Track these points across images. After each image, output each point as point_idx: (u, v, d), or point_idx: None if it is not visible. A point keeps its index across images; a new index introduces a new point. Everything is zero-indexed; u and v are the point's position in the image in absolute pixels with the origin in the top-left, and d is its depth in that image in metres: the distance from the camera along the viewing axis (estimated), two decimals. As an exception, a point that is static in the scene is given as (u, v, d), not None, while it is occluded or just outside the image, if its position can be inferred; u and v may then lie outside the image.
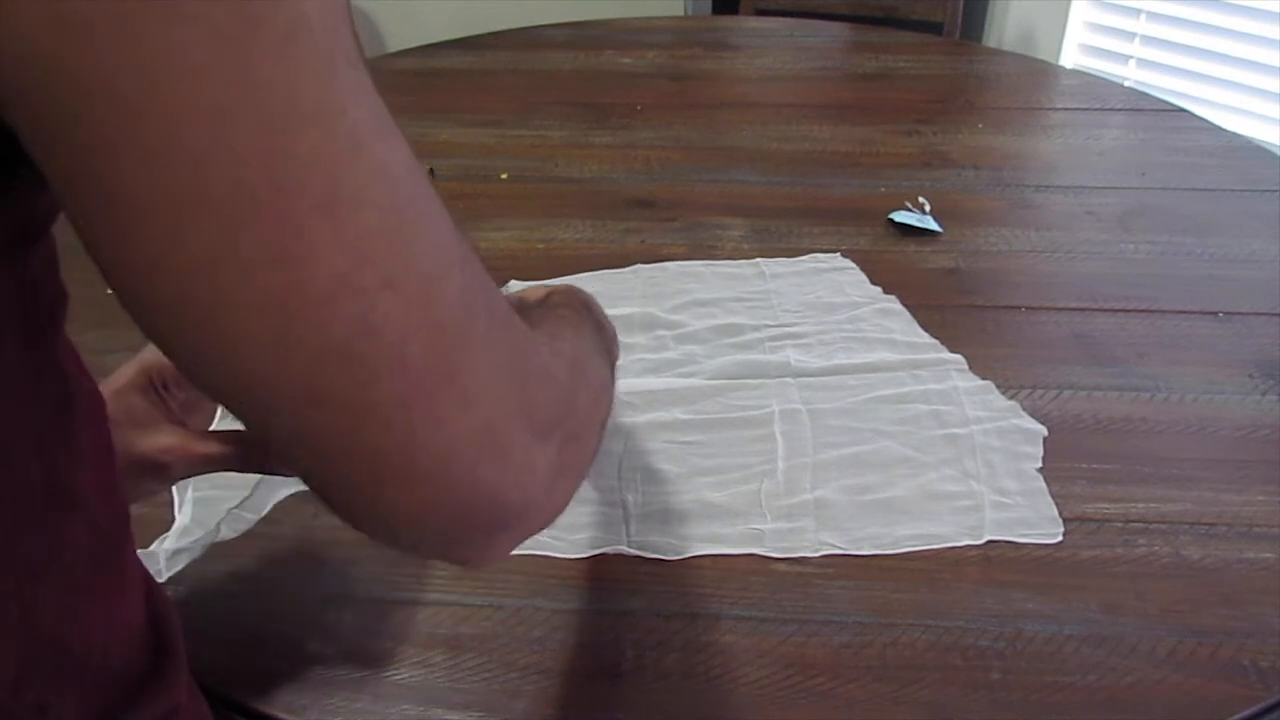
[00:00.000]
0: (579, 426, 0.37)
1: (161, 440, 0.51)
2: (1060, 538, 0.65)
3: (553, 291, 0.55)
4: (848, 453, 0.73)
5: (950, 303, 0.89)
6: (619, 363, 0.82)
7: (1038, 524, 0.67)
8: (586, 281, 0.90)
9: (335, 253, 0.24)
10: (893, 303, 0.89)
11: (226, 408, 0.27)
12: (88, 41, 0.21)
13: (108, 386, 0.53)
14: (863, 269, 0.94)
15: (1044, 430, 0.74)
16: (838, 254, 0.95)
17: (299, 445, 0.27)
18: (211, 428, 0.54)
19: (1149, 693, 0.56)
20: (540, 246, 0.98)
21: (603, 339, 0.53)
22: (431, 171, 1.10)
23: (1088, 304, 0.88)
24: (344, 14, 0.25)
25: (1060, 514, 0.67)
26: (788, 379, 0.80)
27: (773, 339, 0.85)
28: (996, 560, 0.64)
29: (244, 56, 0.22)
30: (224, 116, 0.22)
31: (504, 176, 1.11)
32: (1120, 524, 0.66)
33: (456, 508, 0.29)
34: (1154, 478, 0.70)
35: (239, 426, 0.30)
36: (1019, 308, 0.88)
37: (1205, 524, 0.66)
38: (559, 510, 0.35)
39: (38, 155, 0.23)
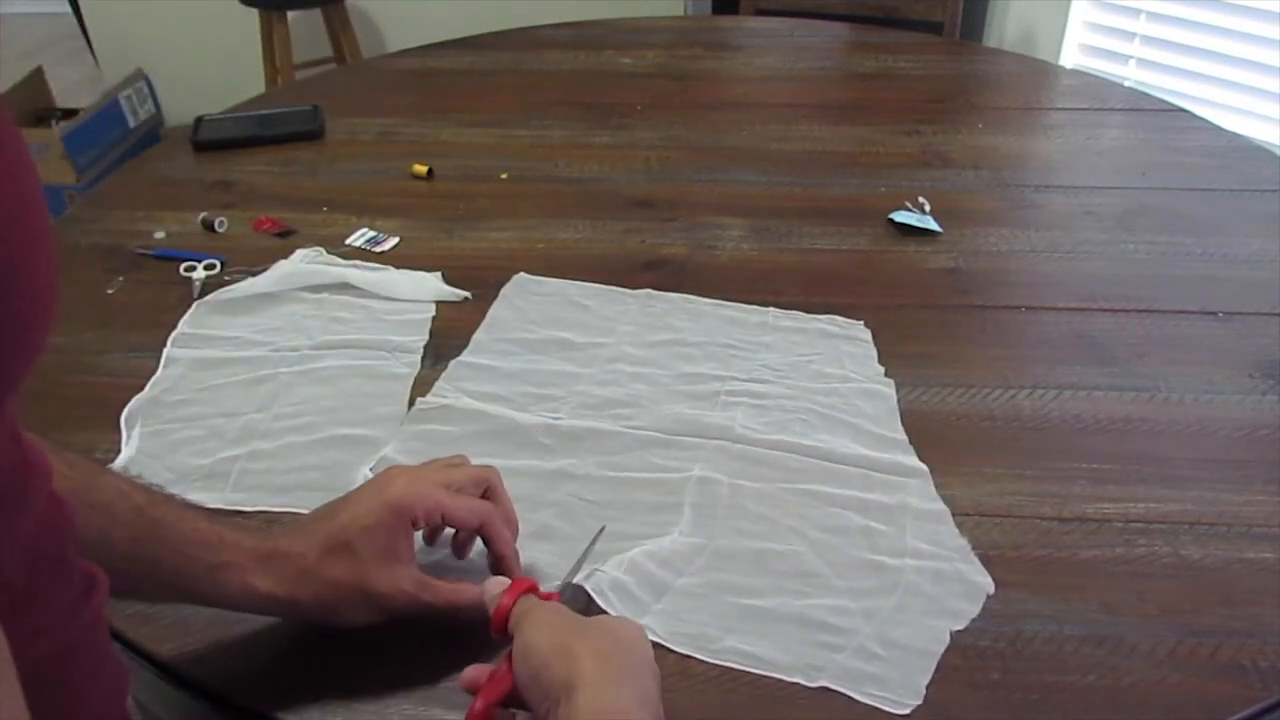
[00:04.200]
0: None
1: (399, 582, 0.54)
2: (909, 710, 0.55)
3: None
4: (754, 546, 0.64)
5: (950, 303, 0.89)
6: (560, 395, 0.77)
7: (895, 688, 0.56)
8: (590, 294, 0.89)
9: None
10: (885, 387, 0.78)
11: None
12: None
13: (353, 523, 0.53)
14: (862, 269, 0.94)
15: (990, 587, 0.62)
16: (861, 323, 0.85)
17: None
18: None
19: (1149, 693, 0.56)
20: (540, 246, 0.98)
21: None
22: (430, 172, 1.10)
23: (1088, 304, 0.88)
24: None
25: (1060, 514, 0.67)
26: (725, 443, 0.72)
27: (730, 393, 0.77)
28: (996, 560, 0.64)
29: None
30: None
31: (504, 176, 1.11)
32: (1120, 524, 0.66)
33: None
34: (1154, 478, 0.70)
35: None
36: (1019, 308, 0.88)
37: (1205, 524, 0.66)
38: None
39: None
